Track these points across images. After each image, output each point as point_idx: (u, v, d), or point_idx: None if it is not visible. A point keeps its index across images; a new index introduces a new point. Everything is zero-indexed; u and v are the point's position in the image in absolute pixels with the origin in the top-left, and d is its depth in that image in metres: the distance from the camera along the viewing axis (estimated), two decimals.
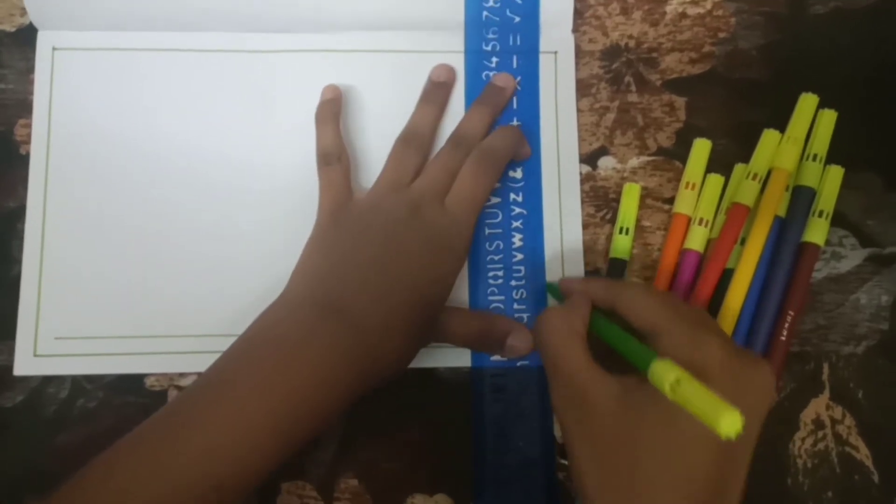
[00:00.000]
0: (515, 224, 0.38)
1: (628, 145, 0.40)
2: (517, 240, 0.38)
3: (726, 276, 0.37)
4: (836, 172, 0.38)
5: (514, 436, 0.36)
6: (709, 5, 0.41)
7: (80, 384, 0.37)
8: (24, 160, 0.38)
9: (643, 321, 0.30)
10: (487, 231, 0.38)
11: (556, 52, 0.40)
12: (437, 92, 0.39)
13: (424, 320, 0.34)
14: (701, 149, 0.39)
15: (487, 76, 0.39)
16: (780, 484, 0.37)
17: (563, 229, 0.39)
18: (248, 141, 0.39)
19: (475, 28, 0.39)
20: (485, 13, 0.39)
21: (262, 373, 0.30)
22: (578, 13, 0.41)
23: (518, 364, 0.37)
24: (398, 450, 0.37)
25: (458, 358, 0.37)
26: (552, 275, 0.38)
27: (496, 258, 0.38)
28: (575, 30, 0.40)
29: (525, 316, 0.38)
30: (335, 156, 0.37)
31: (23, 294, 0.37)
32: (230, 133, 0.39)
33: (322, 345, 0.31)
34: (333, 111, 0.38)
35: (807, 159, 0.38)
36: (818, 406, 0.37)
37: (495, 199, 0.38)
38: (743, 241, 0.37)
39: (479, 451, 0.36)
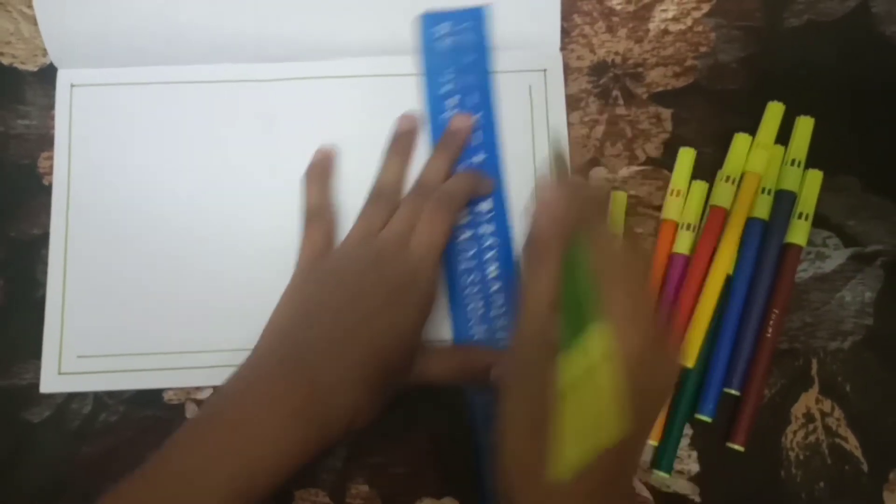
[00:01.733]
0: (489, 255, 0.39)
1: (618, 156, 0.42)
2: (493, 270, 0.39)
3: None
4: (815, 176, 0.39)
5: None
6: (689, 21, 0.43)
7: (102, 399, 0.38)
8: (47, 190, 0.40)
9: (596, 265, 0.28)
10: (463, 265, 0.39)
11: (545, 70, 0.42)
12: (402, 142, 0.41)
13: (385, 373, 0.34)
14: (686, 157, 0.41)
15: (444, 118, 0.41)
16: (773, 476, 0.38)
17: None
18: (257, 164, 0.41)
19: (432, 73, 0.41)
20: (438, 58, 0.41)
21: (221, 440, 0.31)
22: (566, 32, 0.43)
23: None
24: (406, 455, 0.38)
25: None
26: None
27: (474, 290, 0.39)
28: (563, 48, 0.42)
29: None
30: (319, 215, 0.39)
31: (47, 315, 0.39)
32: (240, 157, 0.41)
33: (278, 410, 0.31)
34: (324, 170, 0.40)
35: (787, 164, 0.40)
36: (808, 400, 0.39)
37: (467, 234, 0.40)
38: None
39: (480, 456, 0.37)
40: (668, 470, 0.37)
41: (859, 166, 0.41)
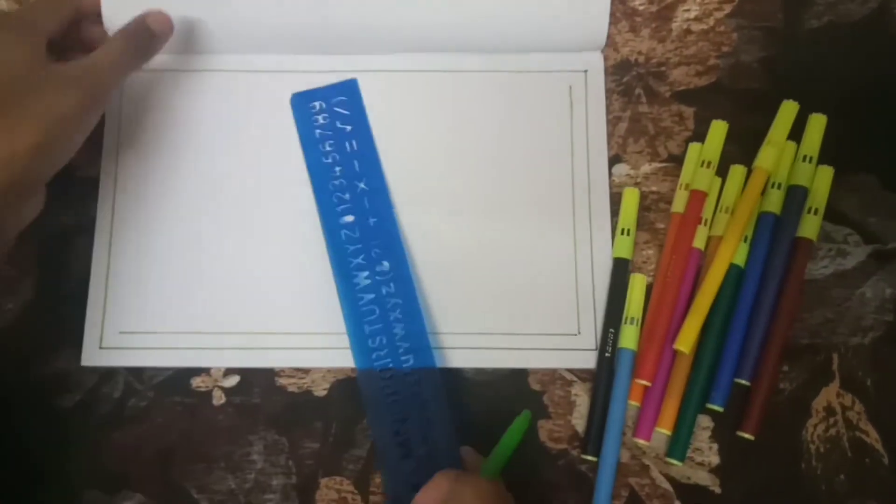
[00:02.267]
0: (394, 315, 0.39)
1: (640, 153, 0.42)
2: (399, 330, 0.39)
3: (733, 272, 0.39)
4: (827, 172, 0.40)
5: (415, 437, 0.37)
6: (711, 22, 0.44)
7: (132, 385, 0.39)
8: (79, 181, 0.41)
9: None
10: (368, 328, 0.39)
11: (585, 71, 0.43)
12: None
13: None
14: (695, 152, 0.42)
15: (334, 185, 0.41)
16: (794, 468, 0.38)
17: (594, 245, 0.41)
18: (295, 151, 0.42)
19: (311, 146, 0.41)
20: (317, 131, 0.42)
21: None
22: None
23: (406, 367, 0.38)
24: None
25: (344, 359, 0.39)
26: (583, 289, 0.40)
27: (382, 353, 0.38)
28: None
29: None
30: None
31: (91, 291, 0.40)
32: (281, 145, 0.42)
33: None
34: None
35: (800, 160, 0.40)
36: (829, 394, 0.39)
37: (369, 296, 0.39)
38: (746, 239, 0.40)
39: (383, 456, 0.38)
40: (682, 458, 0.38)
41: (879, 165, 0.42)
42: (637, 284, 0.40)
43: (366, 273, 0.39)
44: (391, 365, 0.38)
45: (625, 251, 0.40)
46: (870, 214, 0.41)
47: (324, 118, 0.42)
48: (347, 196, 0.40)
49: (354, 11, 0.41)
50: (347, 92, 0.42)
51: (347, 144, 0.41)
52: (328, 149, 0.41)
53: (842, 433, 0.38)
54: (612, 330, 0.39)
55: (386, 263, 0.39)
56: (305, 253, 0.40)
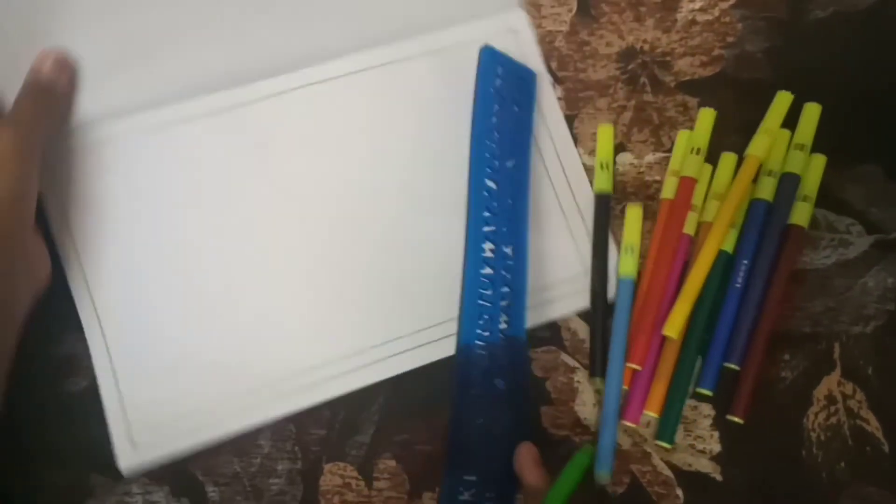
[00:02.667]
0: (503, 304, 0.38)
1: (645, 142, 0.42)
2: (503, 322, 0.38)
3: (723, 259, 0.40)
4: (819, 161, 0.40)
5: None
6: (716, 12, 0.44)
7: None
8: None
9: None
10: (480, 301, 0.37)
11: (514, 32, 0.42)
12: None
13: None
14: (683, 139, 0.42)
15: (490, 145, 0.39)
16: (795, 456, 0.38)
17: (573, 189, 0.41)
18: (268, 196, 0.40)
19: (484, 100, 0.39)
20: (492, 90, 0.40)
21: None
22: (594, 18, 0.44)
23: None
24: (431, 433, 0.38)
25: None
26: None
27: (484, 333, 0.37)
28: (591, 33, 0.43)
29: None
30: None
31: (105, 400, 0.38)
32: (247, 193, 0.40)
33: None
34: None
35: (793, 149, 0.40)
36: (830, 383, 0.39)
37: (488, 270, 0.38)
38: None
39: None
40: (671, 441, 0.38)
41: (883, 155, 0.42)
42: (633, 214, 0.41)
43: (491, 246, 0.38)
44: (490, 339, 0.37)
45: (605, 184, 0.41)
46: (873, 205, 0.41)
47: (500, 83, 0.40)
48: (497, 164, 0.39)
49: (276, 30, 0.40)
50: (526, 77, 0.42)
51: (509, 120, 0.40)
52: (495, 110, 0.40)
53: (843, 421, 0.39)
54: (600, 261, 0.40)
55: (509, 248, 0.39)
56: (301, 299, 0.39)
